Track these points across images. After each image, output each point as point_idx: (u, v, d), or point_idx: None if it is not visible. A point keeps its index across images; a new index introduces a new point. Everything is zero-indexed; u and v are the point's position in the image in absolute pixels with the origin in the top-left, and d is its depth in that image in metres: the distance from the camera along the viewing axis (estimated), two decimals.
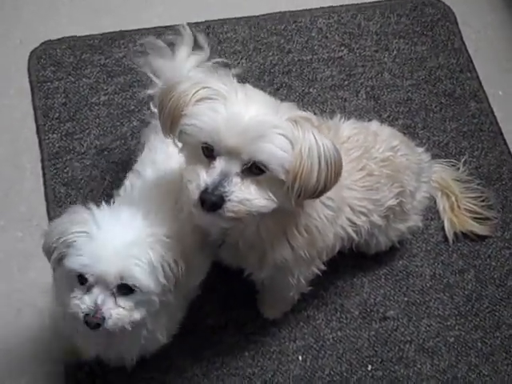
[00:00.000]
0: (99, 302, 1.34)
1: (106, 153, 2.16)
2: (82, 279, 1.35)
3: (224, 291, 1.96)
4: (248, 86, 1.40)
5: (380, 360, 1.95)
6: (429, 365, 1.95)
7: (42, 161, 2.14)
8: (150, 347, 1.62)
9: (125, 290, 1.36)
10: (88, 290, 1.36)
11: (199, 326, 1.91)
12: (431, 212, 2.14)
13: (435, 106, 2.35)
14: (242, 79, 2.25)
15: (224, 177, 1.32)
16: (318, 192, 1.36)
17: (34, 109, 2.23)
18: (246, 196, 1.33)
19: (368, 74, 2.39)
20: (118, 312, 1.36)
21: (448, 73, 2.42)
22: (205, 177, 1.33)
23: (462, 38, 2.48)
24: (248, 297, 1.96)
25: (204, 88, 1.35)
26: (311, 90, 2.36)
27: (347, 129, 1.70)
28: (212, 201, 1.31)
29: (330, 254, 1.68)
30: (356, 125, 1.74)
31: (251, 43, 2.40)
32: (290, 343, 1.95)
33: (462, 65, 2.44)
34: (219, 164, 1.32)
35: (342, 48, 2.44)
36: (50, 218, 2.04)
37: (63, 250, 1.37)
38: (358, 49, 2.44)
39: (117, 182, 2.09)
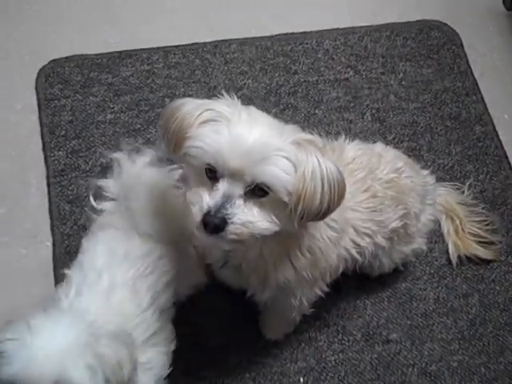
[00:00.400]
0: None
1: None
2: None
3: (225, 312, 1.96)
4: (252, 108, 1.40)
5: (382, 383, 1.93)
6: None
7: (48, 177, 2.16)
8: None
9: None
10: None
11: (200, 347, 1.91)
12: (435, 235, 2.14)
13: (440, 129, 2.35)
14: (248, 99, 2.29)
15: (227, 199, 1.32)
16: (321, 214, 1.36)
17: (41, 125, 2.24)
18: (249, 218, 1.34)
19: (374, 96, 2.40)
20: None
21: (453, 96, 2.42)
22: (207, 199, 1.34)
23: (467, 61, 2.49)
24: (249, 318, 1.96)
25: (208, 110, 1.36)
26: (317, 111, 2.36)
27: (352, 150, 1.70)
28: (214, 223, 1.32)
29: (334, 275, 1.68)
30: (361, 146, 1.74)
31: (258, 64, 2.42)
32: (291, 364, 1.94)
33: (468, 88, 2.44)
34: (222, 186, 1.33)
35: (348, 70, 2.44)
36: (54, 235, 2.05)
37: None
38: (364, 71, 2.45)
39: None
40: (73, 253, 2.00)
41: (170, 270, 1.61)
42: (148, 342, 1.47)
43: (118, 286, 1.50)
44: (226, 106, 1.37)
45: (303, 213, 1.33)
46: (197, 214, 1.34)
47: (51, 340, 1.26)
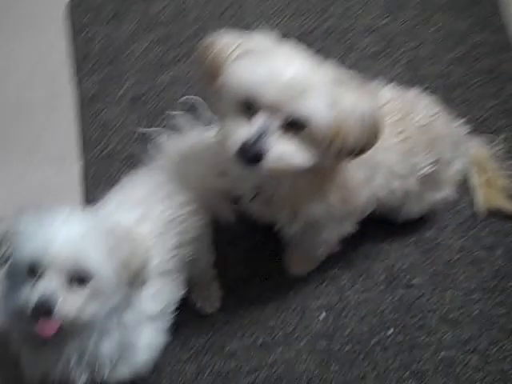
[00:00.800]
0: (50, 290, 1.23)
1: (140, 101, 2.17)
2: (31, 271, 1.25)
3: (250, 245, 1.96)
4: (289, 42, 1.39)
5: (402, 325, 1.93)
6: (450, 335, 1.93)
7: (78, 104, 2.15)
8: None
9: (78, 280, 1.25)
10: (38, 280, 1.24)
11: (223, 276, 1.92)
12: (465, 186, 2.11)
13: (474, 83, 2.32)
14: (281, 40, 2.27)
15: (264, 132, 1.31)
16: (357, 151, 1.35)
17: (72, 53, 2.23)
18: (285, 151, 1.33)
19: (408, 44, 2.36)
20: (70, 303, 1.25)
21: (489, 50, 2.38)
22: (244, 131, 1.33)
23: (504, 16, 2.44)
24: (273, 252, 1.96)
25: (245, 43, 1.35)
26: (349, 57, 2.34)
27: (387, 93, 1.68)
28: (252, 154, 1.31)
29: (362, 214, 1.67)
30: (396, 89, 1.73)
31: (293, 4, 2.39)
32: (313, 300, 1.94)
33: (503, 43, 2.40)
34: (259, 119, 1.32)
35: (384, 16, 2.40)
36: (83, 160, 2.06)
37: (12, 244, 1.28)
38: (400, 19, 2.40)
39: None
40: (100, 177, 2.01)
41: (201, 226, 1.65)
42: (159, 274, 1.48)
43: (149, 220, 1.52)
44: (264, 39, 1.36)
45: (340, 149, 1.33)
46: (234, 145, 1.33)
47: (70, 226, 1.28)
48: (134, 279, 1.33)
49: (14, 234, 1.28)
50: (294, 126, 1.32)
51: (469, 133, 2.02)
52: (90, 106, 2.14)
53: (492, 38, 2.40)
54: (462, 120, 2.03)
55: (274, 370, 1.86)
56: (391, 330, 1.92)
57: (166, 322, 1.58)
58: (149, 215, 1.53)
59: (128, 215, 1.49)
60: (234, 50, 1.34)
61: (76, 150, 2.09)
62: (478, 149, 2.11)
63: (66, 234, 1.26)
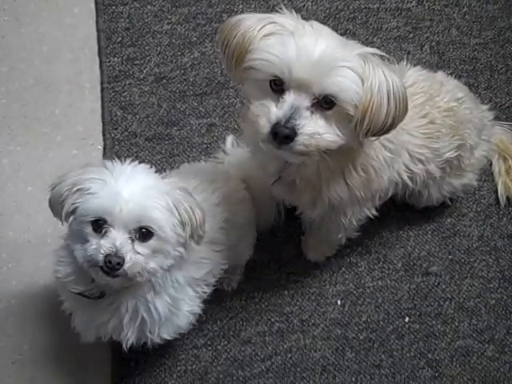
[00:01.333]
0: (118, 244, 1.30)
1: (164, 81, 2.16)
2: (97, 226, 1.32)
3: (269, 229, 1.96)
4: (315, 22, 1.37)
5: (418, 313, 1.94)
6: (467, 324, 1.95)
7: (102, 83, 2.15)
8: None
9: (142, 235, 1.32)
10: (104, 235, 1.31)
11: None
12: (485, 173, 2.10)
13: (501, 68, 2.29)
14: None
15: (295, 110, 1.31)
16: (385, 128, 1.35)
17: (97, 31, 2.22)
18: (317, 130, 1.33)
19: (435, 28, 2.33)
20: (136, 257, 1.32)
21: None
22: (275, 110, 1.32)
23: None
24: (292, 237, 1.98)
25: (270, 23, 1.34)
26: (375, 39, 2.31)
27: (413, 75, 1.67)
28: (285, 133, 1.31)
29: (383, 198, 1.67)
30: (422, 72, 1.71)
31: None
32: (330, 287, 1.96)
33: None
34: (289, 97, 1.31)
35: None
36: (105, 140, 2.06)
37: (77, 199, 1.33)
38: (427, 1, 2.36)
39: (172, 111, 2.11)
40: (123, 157, 2.01)
41: (248, 216, 1.75)
42: (205, 242, 1.51)
43: (204, 192, 1.60)
44: (289, 19, 1.35)
45: (369, 126, 1.32)
46: (265, 126, 1.33)
47: (133, 182, 1.33)
48: (191, 237, 1.39)
49: (79, 190, 1.34)
50: (324, 105, 1.32)
51: (493, 119, 2.00)
52: (113, 86, 2.14)
53: None
54: (487, 106, 2.02)
55: (289, 357, 1.88)
56: (407, 319, 1.94)
57: (206, 291, 1.63)
58: (203, 187, 1.60)
59: (185, 182, 1.53)
60: (259, 31, 1.33)
61: (99, 129, 2.10)
62: (501, 136, 2.09)
63: (130, 191, 1.31)
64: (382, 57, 1.37)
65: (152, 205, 1.31)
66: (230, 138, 2.04)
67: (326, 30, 1.36)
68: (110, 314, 1.48)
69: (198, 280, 1.56)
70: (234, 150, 1.99)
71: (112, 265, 1.30)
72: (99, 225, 1.31)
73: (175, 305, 1.51)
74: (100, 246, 1.30)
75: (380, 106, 1.30)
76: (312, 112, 1.32)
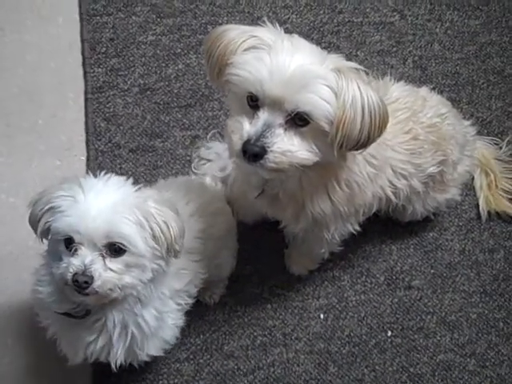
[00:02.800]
0: (87, 261, 1.29)
1: (148, 92, 2.16)
2: (68, 244, 1.31)
3: (251, 242, 1.97)
4: (295, 36, 1.38)
5: (400, 327, 1.95)
6: (448, 338, 1.96)
7: (86, 93, 2.14)
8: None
9: (113, 251, 1.31)
10: (75, 253, 1.31)
11: None
12: (467, 188, 2.12)
13: (482, 83, 2.32)
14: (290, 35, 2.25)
15: (267, 128, 1.32)
16: (360, 144, 1.35)
17: (82, 41, 2.22)
18: (289, 147, 1.33)
19: (418, 42, 2.35)
20: (106, 274, 1.31)
21: (499, 50, 2.38)
22: (248, 128, 1.34)
23: None
24: (275, 250, 1.98)
25: (252, 37, 1.34)
26: (359, 53, 2.33)
27: (397, 90, 1.68)
28: (254, 151, 1.32)
29: (367, 213, 1.67)
30: (406, 87, 1.73)
31: None
32: (313, 300, 1.96)
33: None
34: (263, 115, 1.32)
35: (395, 14, 2.39)
36: (89, 150, 2.05)
37: (49, 218, 1.33)
38: (410, 16, 2.39)
39: (156, 123, 2.11)
40: (106, 169, 2.00)
41: (226, 228, 1.76)
42: (184, 252, 1.50)
43: (178, 203, 1.57)
44: (270, 34, 1.35)
45: (342, 141, 1.32)
46: (237, 143, 1.34)
47: (102, 197, 1.32)
48: (168, 252, 1.37)
49: (51, 209, 1.33)
50: (298, 122, 1.32)
51: (475, 134, 2.01)
52: (97, 96, 2.13)
53: (503, 38, 2.40)
54: (469, 121, 2.04)
55: (271, 371, 1.88)
56: (390, 333, 1.95)
57: (189, 302, 1.62)
58: (177, 198, 1.60)
59: (158, 194, 1.51)
60: (241, 44, 1.34)
61: (82, 139, 2.09)
62: (483, 151, 2.11)
63: (98, 207, 1.30)
64: (360, 71, 1.38)
65: (120, 220, 1.30)
66: (202, 148, 2.06)
67: (304, 45, 1.36)
68: (98, 332, 1.46)
69: (180, 291, 1.56)
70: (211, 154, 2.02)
71: (79, 283, 1.29)
72: (70, 242, 1.31)
73: (161, 317, 1.50)
74: (69, 265, 1.30)
75: (353, 121, 1.30)
76: (285, 129, 1.33)
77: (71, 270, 1.29)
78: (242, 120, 1.35)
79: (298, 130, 1.33)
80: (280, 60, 1.29)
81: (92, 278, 1.29)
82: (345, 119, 1.30)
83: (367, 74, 1.46)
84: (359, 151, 1.41)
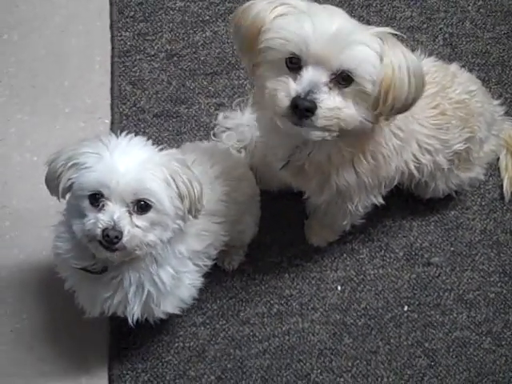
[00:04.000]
0: (116, 217, 1.29)
1: (175, 58, 2.15)
2: (94, 200, 1.31)
3: (272, 211, 1.96)
4: (328, 5, 1.37)
5: (417, 303, 1.95)
6: (465, 315, 1.95)
7: (112, 57, 2.15)
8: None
9: (140, 208, 1.32)
10: (102, 209, 1.31)
11: None
12: (492, 168, 2.10)
13: None
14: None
15: (313, 86, 1.31)
16: (406, 106, 1.35)
17: (110, 4, 2.21)
18: (337, 104, 1.32)
19: (449, 20, 2.32)
20: (134, 230, 1.32)
21: None
22: (294, 85, 1.32)
23: None
24: (296, 221, 1.98)
25: (282, 5, 1.33)
26: (388, 28, 2.29)
27: (426, 65, 1.67)
28: (306, 106, 1.30)
29: (389, 186, 1.66)
30: (436, 63, 1.71)
31: None
32: (330, 272, 1.96)
33: None
34: (307, 73, 1.31)
35: None
36: (113, 114, 2.06)
37: (72, 175, 1.33)
38: None
39: (182, 89, 2.11)
40: (129, 133, 2.01)
41: (249, 193, 1.76)
42: (205, 214, 1.51)
43: (202, 165, 1.60)
44: (301, 1, 1.34)
45: (393, 103, 1.32)
46: (283, 100, 1.32)
47: (128, 155, 1.32)
48: (190, 210, 1.38)
49: (75, 165, 1.33)
50: (342, 81, 1.31)
51: (503, 114, 2.00)
52: (124, 60, 2.14)
53: None
54: (498, 101, 2.01)
55: (286, 339, 1.89)
56: (406, 307, 1.94)
57: (208, 264, 1.63)
58: (201, 161, 1.60)
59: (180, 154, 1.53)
60: (271, 12, 1.33)
61: (107, 103, 2.09)
62: (510, 131, 2.08)
63: (126, 164, 1.30)
64: (398, 37, 1.37)
65: (149, 177, 1.31)
66: (221, 114, 2.04)
67: (340, 11, 1.36)
68: (114, 289, 1.48)
69: (199, 252, 1.57)
70: (229, 122, 2.01)
71: (110, 238, 1.30)
72: (96, 199, 1.31)
73: (178, 277, 1.52)
74: (98, 220, 1.30)
75: (402, 83, 1.30)
76: (330, 88, 1.32)
77: (100, 225, 1.29)
78: (287, 79, 1.33)
79: (341, 91, 1.32)
80: (321, 20, 1.29)
81: (122, 233, 1.30)
82: (395, 82, 1.30)
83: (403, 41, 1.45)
84: (393, 122, 1.41)
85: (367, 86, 1.30)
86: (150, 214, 1.33)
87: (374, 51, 1.29)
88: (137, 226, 1.32)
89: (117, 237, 1.30)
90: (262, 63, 1.39)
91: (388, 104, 1.31)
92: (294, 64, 1.32)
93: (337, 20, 1.29)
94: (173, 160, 1.37)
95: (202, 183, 1.43)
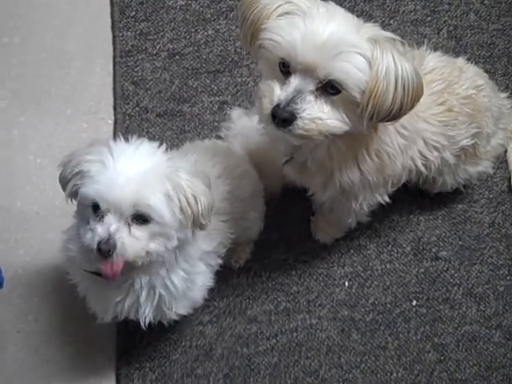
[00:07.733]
0: (112, 229, 1.29)
1: (177, 57, 2.15)
2: (96, 209, 1.31)
3: (278, 209, 1.95)
4: (331, 3, 1.36)
5: (426, 297, 1.93)
6: (474, 309, 1.93)
7: (114, 57, 2.15)
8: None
9: (139, 220, 1.30)
10: (101, 220, 1.30)
11: None
12: (499, 161, 2.08)
13: None
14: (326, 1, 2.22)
15: (298, 94, 1.31)
16: (391, 115, 1.32)
17: (111, 4, 2.22)
18: (319, 115, 1.32)
19: (453, 12, 2.30)
20: (131, 242, 1.30)
21: None
22: (278, 92, 1.32)
23: None
24: (302, 218, 1.97)
25: (287, 3, 1.33)
26: (391, 21, 2.29)
27: (433, 60, 1.64)
28: (283, 116, 1.31)
29: (396, 184, 1.65)
30: (442, 58, 1.68)
31: None
32: (338, 268, 1.95)
33: None
34: (294, 80, 1.31)
35: None
36: (116, 114, 2.05)
37: (78, 181, 1.33)
38: None
39: (185, 88, 2.10)
40: (132, 133, 2.00)
41: (253, 190, 1.74)
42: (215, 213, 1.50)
43: (204, 165, 1.60)
44: (305, 0, 1.33)
45: (373, 112, 1.30)
46: (266, 107, 1.33)
47: (132, 164, 1.30)
48: (194, 222, 1.36)
49: (80, 172, 1.32)
50: (329, 89, 1.31)
51: (511, 107, 1.97)
52: (126, 60, 2.13)
53: None
54: (506, 94, 1.99)
55: (294, 336, 1.87)
56: (415, 302, 1.93)
57: (219, 262, 1.63)
58: (203, 161, 1.60)
59: (184, 158, 1.52)
60: (276, 9, 1.32)
61: (110, 103, 2.09)
62: None
63: (128, 175, 1.28)
64: (395, 40, 1.35)
65: (148, 191, 1.29)
66: (235, 112, 2.01)
67: (340, 13, 1.34)
68: (125, 292, 1.48)
69: (210, 252, 1.56)
70: (238, 123, 1.98)
71: (102, 251, 1.29)
72: (97, 209, 1.30)
73: (190, 279, 1.51)
74: (94, 233, 1.30)
75: (386, 92, 1.27)
76: (316, 96, 1.31)
77: (96, 238, 1.29)
78: (274, 84, 1.34)
79: (329, 98, 1.32)
80: (314, 26, 1.28)
81: (115, 246, 1.29)
82: (377, 90, 1.28)
83: (403, 44, 1.43)
84: (390, 123, 1.39)
85: (356, 96, 1.29)
86: (151, 225, 1.32)
87: (365, 59, 1.27)
88: (135, 238, 1.31)
89: (111, 249, 1.29)
90: (261, 59, 1.39)
91: (368, 111, 1.29)
92: (286, 68, 1.32)
93: (331, 25, 1.27)
94: (180, 171, 1.35)
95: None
